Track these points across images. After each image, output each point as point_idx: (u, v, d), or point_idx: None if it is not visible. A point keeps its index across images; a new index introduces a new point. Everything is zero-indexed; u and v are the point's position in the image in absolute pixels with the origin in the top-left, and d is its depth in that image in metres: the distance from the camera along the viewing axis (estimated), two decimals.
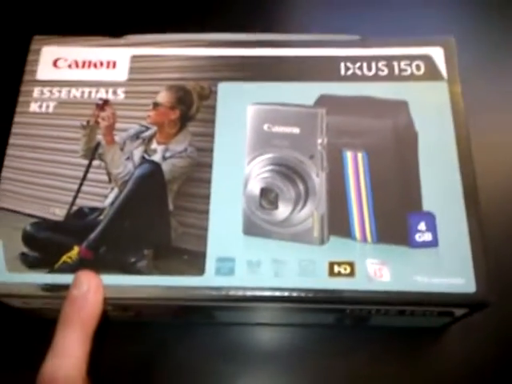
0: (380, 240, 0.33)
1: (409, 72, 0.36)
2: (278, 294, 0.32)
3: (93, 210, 0.35)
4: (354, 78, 0.36)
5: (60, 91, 0.38)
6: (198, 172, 0.35)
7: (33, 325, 0.38)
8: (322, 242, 0.33)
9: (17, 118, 0.37)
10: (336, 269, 0.32)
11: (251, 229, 0.34)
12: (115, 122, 0.37)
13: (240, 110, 0.35)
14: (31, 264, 0.33)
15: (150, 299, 0.33)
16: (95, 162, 0.36)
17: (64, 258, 0.34)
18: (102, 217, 0.35)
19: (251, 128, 0.35)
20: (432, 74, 0.36)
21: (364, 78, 0.36)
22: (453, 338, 0.39)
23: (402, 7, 0.48)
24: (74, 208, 0.35)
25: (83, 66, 0.39)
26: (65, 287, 0.31)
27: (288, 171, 0.34)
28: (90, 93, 0.38)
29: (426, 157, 0.34)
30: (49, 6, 0.52)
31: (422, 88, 0.36)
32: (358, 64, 0.37)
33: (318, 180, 0.34)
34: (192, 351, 0.39)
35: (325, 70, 0.37)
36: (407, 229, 0.32)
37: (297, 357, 0.39)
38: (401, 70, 0.36)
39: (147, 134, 0.36)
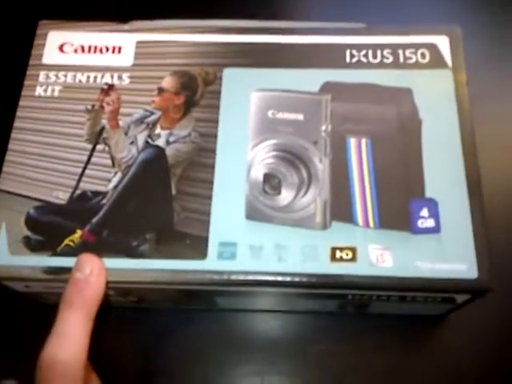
0: (382, 226, 0.33)
1: (414, 60, 0.36)
2: (279, 278, 0.32)
3: (96, 193, 0.35)
4: (359, 65, 0.36)
5: (65, 75, 0.38)
6: (202, 157, 0.35)
7: (36, 310, 0.38)
8: (325, 227, 0.33)
9: (22, 102, 0.38)
10: (338, 254, 0.32)
11: (254, 214, 0.34)
12: (120, 107, 0.37)
13: (245, 96, 0.35)
14: (34, 247, 0.34)
15: (152, 283, 0.33)
16: (99, 146, 0.36)
17: (67, 241, 0.34)
18: (105, 201, 0.35)
19: (255, 114, 0.35)
20: (437, 62, 0.36)
21: (369, 66, 0.36)
22: (454, 325, 0.38)
23: None
24: (78, 192, 0.35)
25: (89, 50, 0.39)
26: (67, 270, 0.31)
27: (291, 157, 0.34)
28: (95, 77, 0.38)
29: (429, 144, 0.34)
30: None
31: (426, 76, 0.36)
32: (363, 51, 0.37)
33: (321, 166, 0.34)
34: (194, 338, 0.39)
35: (330, 57, 0.37)
36: (409, 215, 0.32)
37: (298, 344, 0.39)
38: (406, 58, 0.36)
39: (151, 118, 0.37)
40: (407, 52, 0.37)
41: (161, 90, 0.37)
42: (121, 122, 0.37)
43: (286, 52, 0.37)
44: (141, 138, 0.36)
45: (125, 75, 0.38)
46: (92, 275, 0.30)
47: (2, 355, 0.38)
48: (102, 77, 0.38)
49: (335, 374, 0.38)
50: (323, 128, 0.34)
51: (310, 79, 0.36)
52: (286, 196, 0.34)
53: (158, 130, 0.36)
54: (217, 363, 0.39)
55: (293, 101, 0.34)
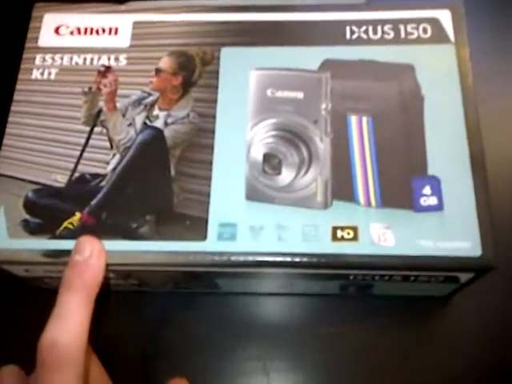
0: (384, 204, 0.32)
1: (415, 35, 0.36)
2: (280, 259, 0.31)
3: (95, 176, 0.35)
4: (359, 41, 0.36)
5: (62, 58, 0.38)
6: (201, 138, 0.35)
7: (36, 295, 0.38)
8: (326, 206, 0.33)
9: (19, 85, 0.37)
10: (339, 233, 0.31)
11: (254, 194, 0.33)
12: (117, 89, 0.36)
13: (243, 75, 0.35)
14: (33, 230, 0.33)
15: (152, 265, 0.32)
16: (97, 129, 0.36)
17: (66, 223, 0.33)
18: (103, 183, 0.34)
19: (254, 93, 0.34)
20: (439, 37, 0.35)
21: (370, 42, 0.36)
22: (458, 306, 0.38)
23: None
24: (76, 174, 0.35)
25: (85, 32, 0.38)
26: (66, 253, 0.31)
27: (291, 136, 0.33)
28: (91, 59, 0.37)
29: (432, 121, 0.33)
30: None
31: (428, 51, 0.35)
32: (363, 28, 0.36)
33: (322, 145, 0.33)
34: (195, 321, 0.39)
35: (330, 34, 0.36)
36: (412, 193, 0.32)
37: (300, 327, 0.38)
38: (407, 34, 0.36)
39: (149, 100, 0.36)
40: (408, 27, 0.36)
41: (158, 71, 0.36)
42: (118, 104, 0.36)
43: (284, 30, 0.37)
44: (139, 120, 0.36)
45: (122, 56, 0.37)
46: (92, 257, 0.30)
47: (2, 341, 0.38)
48: (99, 59, 0.37)
49: (338, 356, 0.38)
50: (323, 106, 0.33)
51: (309, 57, 0.35)
52: (286, 176, 0.33)
53: (155, 112, 0.36)
54: (218, 347, 0.38)
55: (292, 79, 0.34)
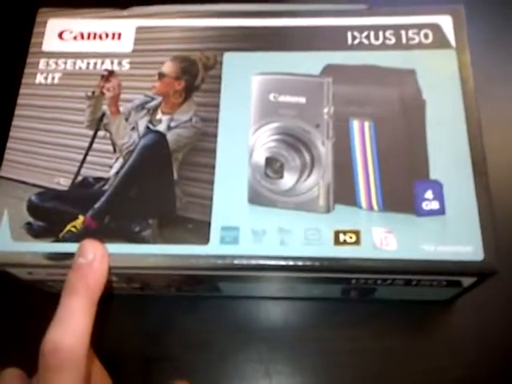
0: (386, 208, 0.32)
1: (417, 40, 0.36)
2: (282, 262, 0.31)
3: (98, 179, 0.35)
4: (361, 47, 0.36)
5: (65, 63, 0.38)
6: (203, 142, 0.35)
7: (39, 298, 0.38)
8: (328, 210, 0.33)
9: (23, 90, 0.37)
10: (341, 237, 0.32)
11: (256, 198, 0.33)
12: (120, 93, 0.37)
13: (245, 80, 0.35)
14: (36, 233, 0.34)
15: (155, 268, 0.33)
16: (100, 133, 0.36)
17: (69, 227, 0.34)
18: (106, 186, 0.35)
19: (256, 98, 0.34)
20: (440, 42, 0.36)
21: (371, 47, 0.36)
22: (461, 310, 0.38)
23: None
24: (79, 178, 0.35)
25: (88, 37, 0.38)
26: (70, 256, 0.31)
27: (293, 140, 0.34)
28: (95, 64, 0.38)
29: (434, 126, 0.33)
30: None
31: (430, 56, 0.35)
32: (365, 33, 0.36)
33: (324, 149, 0.33)
34: (197, 324, 0.39)
35: (332, 39, 0.36)
36: (414, 197, 0.32)
37: (302, 331, 0.39)
38: (408, 39, 0.36)
39: (152, 104, 0.36)
40: (410, 32, 0.36)
41: (161, 76, 0.37)
42: (121, 108, 0.36)
43: (286, 35, 0.37)
44: (142, 124, 0.36)
45: (125, 61, 0.37)
46: (95, 261, 0.30)
47: (5, 343, 0.38)
48: (102, 63, 0.38)
49: (339, 360, 0.38)
50: (325, 111, 0.33)
51: (311, 62, 0.35)
52: (288, 179, 0.33)
53: (158, 116, 0.36)
54: (220, 350, 0.38)
55: (294, 84, 0.34)
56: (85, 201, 0.34)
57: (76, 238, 0.33)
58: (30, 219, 0.34)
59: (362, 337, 0.38)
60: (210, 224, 0.33)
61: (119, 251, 0.32)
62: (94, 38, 0.38)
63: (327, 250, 0.31)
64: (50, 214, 0.34)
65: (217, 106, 0.35)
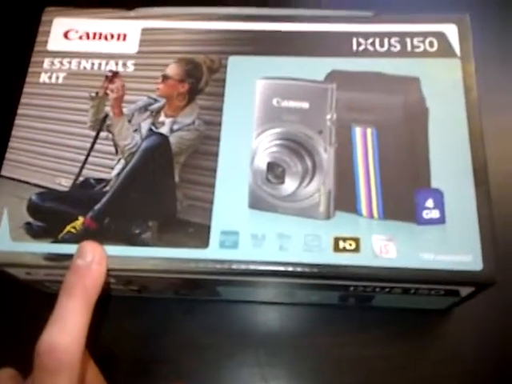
0: (387, 216, 0.32)
1: (422, 48, 0.36)
2: (281, 268, 0.31)
3: (99, 181, 0.35)
4: (366, 53, 0.36)
5: (70, 62, 0.38)
6: (206, 145, 0.35)
7: (37, 298, 0.38)
8: (328, 217, 0.33)
9: (26, 89, 0.37)
10: (341, 244, 0.31)
11: (257, 203, 0.33)
12: (124, 94, 0.37)
13: (250, 84, 0.35)
14: (35, 234, 0.33)
15: (154, 271, 0.33)
16: (103, 134, 0.36)
17: (68, 228, 0.34)
18: (107, 188, 0.35)
19: (260, 102, 0.34)
20: (445, 51, 0.35)
21: (376, 54, 0.36)
22: (458, 319, 0.38)
23: None
24: (80, 179, 0.35)
25: (94, 37, 0.38)
26: (68, 257, 0.31)
27: (296, 146, 0.34)
28: (99, 64, 0.38)
29: (436, 134, 0.33)
30: None
31: (434, 65, 0.35)
32: (370, 40, 0.36)
33: (326, 155, 0.33)
34: (195, 328, 0.39)
35: (337, 45, 0.36)
36: (414, 205, 0.32)
37: (299, 336, 0.38)
38: (413, 47, 0.36)
39: (155, 106, 0.36)
40: (415, 40, 0.36)
41: (165, 78, 0.37)
42: (125, 110, 0.36)
43: (291, 40, 0.37)
44: (145, 126, 0.36)
45: (129, 62, 0.37)
46: (93, 262, 0.30)
47: (0, 343, 0.38)
48: (107, 64, 0.38)
49: (335, 366, 0.37)
50: (328, 117, 0.33)
51: (315, 67, 0.35)
52: (289, 185, 0.33)
53: (161, 118, 0.36)
54: (217, 354, 0.38)
55: (298, 89, 0.34)
56: (85, 202, 0.34)
57: (75, 239, 0.33)
58: (30, 219, 0.34)
59: (359, 344, 0.38)
60: (209, 228, 0.33)
61: (118, 253, 0.32)
62: (100, 38, 0.38)
63: (326, 256, 0.31)
64: (49, 214, 0.34)
65: (220, 109, 0.35)
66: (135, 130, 0.36)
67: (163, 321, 0.39)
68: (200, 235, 0.33)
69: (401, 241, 0.31)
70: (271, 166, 0.34)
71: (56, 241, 0.33)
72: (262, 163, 0.34)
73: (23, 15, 0.47)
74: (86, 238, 0.31)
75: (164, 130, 0.36)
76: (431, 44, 0.36)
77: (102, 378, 0.31)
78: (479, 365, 0.37)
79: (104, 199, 0.34)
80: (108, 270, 0.31)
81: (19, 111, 0.37)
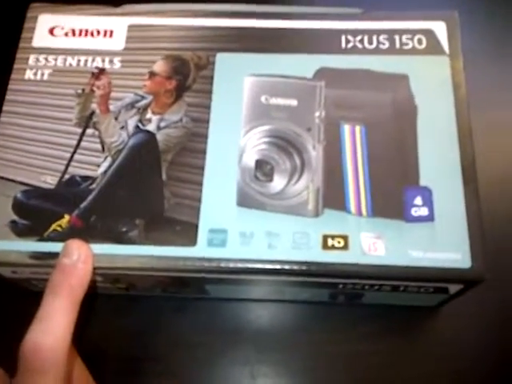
0: (375, 214, 0.32)
1: (410, 46, 0.36)
2: (270, 266, 0.31)
3: (85, 178, 0.35)
4: (354, 50, 0.36)
5: (56, 59, 0.37)
6: (193, 142, 0.34)
7: (22, 297, 0.38)
8: (317, 214, 0.33)
9: (11, 85, 0.37)
10: (330, 242, 0.31)
11: (245, 201, 0.33)
12: (110, 91, 0.36)
13: (238, 81, 0.35)
14: (21, 232, 0.33)
15: (141, 269, 0.32)
16: (89, 131, 0.36)
17: (54, 226, 0.33)
18: (94, 186, 0.34)
19: (248, 99, 0.34)
20: (434, 48, 0.35)
21: (365, 51, 0.36)
22: (446, 317, 0.38)
23: None
24: (66, 176, 0.35)
25: (80, 34, 0.38)
26: (54, 255, 0.31)
27: (284, 143, 0.33)
28: (85, 61, 0.37)
29: (425, 132, 0.33)
30: None
31: (423, 62, 0.35)
32: (359, 37, 0.36)
33: (315, 153, 0.33)
34: (183, 326, 0.39)
35: (325, 42, 0.36)
36: (403, 203, 0.32)
37: (288, 334, 0.38)
38: (402, 44, 0.36)
39: (142, 103, 0.36)
40: (403, 38, 0.36)
41: (152, 75, 0.36)
42: (111, 107, 0.36)
43: (280, 37, 0.37)
44: (131, 123, 0.36)
45: (116, 59, 0.37)
46: (79, 261, 0.30)
47: None
48: (93, 61, 0.37)
49: (325, 363, 0.37)
50: (317, 114, 0.33)
51: (304, 65, 0.35)
52: (278, 183, 0.33)
53: (148, 115, 0.36)
54: (205, 352, 0.38)
55: (286, 86, 0.34)
56: (71, 200, 0.34)
57: (61, 237, 0.32)
58: (15, 217, 0.33)
59: (348, 341, 0.38)
60: (197, 226, 0.32)
61: (105, 251, 0.32)
62: (86, 34, 0.38)
63: (315, 254, 0.31)
64: (35, 212, 0.34)
65: (208, 106, 0.35)
66: (122, 127, 0.36)
67: (152, 319, 0.39)
68: (188, 233, 0.32)
69: (389, 238, 0.31)
70: (260, 164, 0.33)
71: (41, 239, 0.33)
72: (250, 161, 0.33)
73: (8, 11, 0.46)
74: (72, 237, 0.31)
75: (151, 127, 0.35)
76: (420, 41, 0.36)
77: (90, 376, 0.31)
78: (469, 361, 0.37)
79: (90, 197, 0.34)
80: (94, 269, 0.31)
81: (4, 108, 0.36)
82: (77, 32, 0.38)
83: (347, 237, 0.31)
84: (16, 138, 0.36)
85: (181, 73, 0.36)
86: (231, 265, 0.31)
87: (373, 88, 0.34)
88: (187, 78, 0.36)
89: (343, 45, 0.36)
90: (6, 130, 0.36)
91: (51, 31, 0.38)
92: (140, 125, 0.35)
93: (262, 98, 0.34)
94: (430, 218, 0.31)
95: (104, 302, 0.38)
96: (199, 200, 0.33)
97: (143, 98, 0.36)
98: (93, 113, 0.36)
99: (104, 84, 0.36)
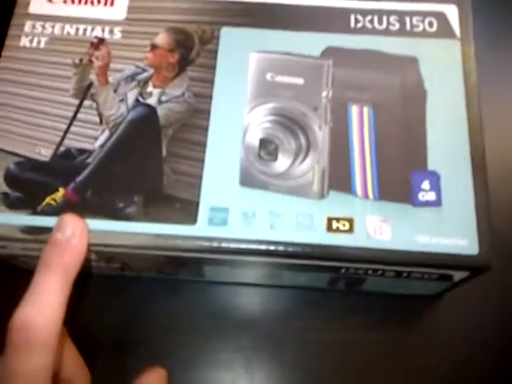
0: (382, 197, 0.31)
1: (421, 28, 0.35)
2: (272, 247, 0.30)
3: (81, 151, 0.33)
4: (363, 31, 0.35)
5: (53, 27, 0.36)
6: (195, 118, 0.33)
7: (11, 274, 0.36)
8: (322, 196, 0.32)
9: (5, 52, 0.35)
10: (334, 224, 0.30)
11: (248, 180, 0.32)
12: (110, 62, 0.35)
13: (243, 56, 0.34)
14: (13, 205, 0.32)
15: (138, 247, 0.31)
16: (86, 102, 0.34)
17: (48, 199, 0.32)
18: (90, 159, 0.33)
19: (253, 76, 0.33)
20: (445, 31, 0.35)
21: (374, 32, 0.35)
22: (446, 306, 0.37)
23: None
24: (62, 149, 0.33)
25: (79, 2, 0.37)
26: (47, 230, 0.29)
27: (289, 122, 0.32)
28: (85, 30, 0.36)
29: (434, 116, 0.33)
30: None
31: (433, 45, 0.34)
32: (368, 17, 0.35)
33: (321, 133, 0.32)
34: (177, 309, 0.38)
35: (334, 21, 0.35)
36: (410, 187, 0.31)
37: (285, 319, 0.38)
38: (412, 26, 0.35)
39: (143, 76, 0.35)
40: (414, 19, 0.35)
41: (154, 47, 0.35)
42: (110, 78, 0.35)
43: (287, 13, 0.36)
44: (131, 96, 0.34)
45: (116, 29, 0.36)
46: (73, 237, 0.28)
47: None
48: (93, 30, 0.36)
49: (321, 351, 0.37)
50: (324, 94, 0.32)
51: (311, 43, 0.34)
52: (282, 162, 0.32)
53: (149, 88, 0.34)
54: (200, 336, 0.37)
55: (293, 64, 0.33)
56: (66, 173, 0.32)
57: (55, 211, 0.31)
58: (7, 189, 0.32)
59: (346, 329, 0.37)
60: (198, 204, 0.31)
61: (100, 228, 0.31)
62: (86, 2, 0.36)
63: (319, 236, 0.30)
64: (28, 184, 0.32)
65: (211, 82, 0.34)
66: (121, 100, 0.34)
67: (146, 301, 0.38)
68: (188, 211, 0.31)
69: (395, 222, 0.30)
70: (264, 143, 0.32)
71: (34, 213, 0.31)
72: (254, 139, 0.32)
73: None
74: (67, 211, 0.29)
75: (152, 101, 0.34)
76: (430, 24, 0.35)
77: (81, 358, 0.30)
78: (468, 350, 0.37)
79: (86, 171, 0.33)
80: (89, 246, 0.29)
81: None
82: None
83: (352, 220, 0.31)
84: (9, 106, 0.34)
85: (184, 46, 0.35)
86: (232, 245, 0.30)
87: (381, 69, 0.33)
88: (190, 51, 0.35)
89: (352, 24, 0.35)
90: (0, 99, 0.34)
91: None
92: (140, 98, 0.34)
93: (268, 76, 0.33)
94: (437, 202, 0.31)
95: (96, 282, 0.37)
96: (200, 177, 0.32)
97: (144, 70, 0.35)
98: (91, 84, 0.35)
99: (103, 54, 0.35)
